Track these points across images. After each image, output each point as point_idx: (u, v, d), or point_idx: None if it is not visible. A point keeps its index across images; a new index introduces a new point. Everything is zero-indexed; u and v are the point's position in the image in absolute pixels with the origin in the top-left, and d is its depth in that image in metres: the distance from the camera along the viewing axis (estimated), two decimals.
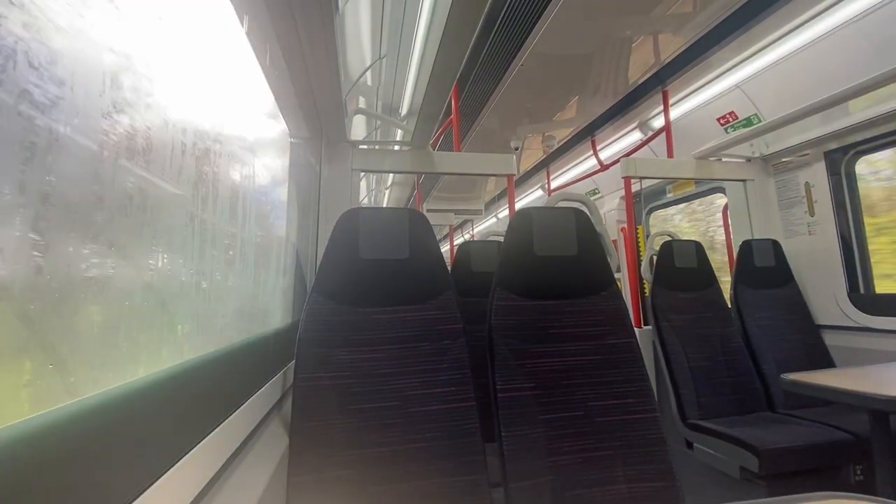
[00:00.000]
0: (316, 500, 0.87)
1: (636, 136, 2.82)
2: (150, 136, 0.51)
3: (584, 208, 1.32)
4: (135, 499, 0.42)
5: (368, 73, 1.90)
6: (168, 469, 0.48)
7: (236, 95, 0.89)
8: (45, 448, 0.34)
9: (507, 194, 2.00)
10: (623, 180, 2.22)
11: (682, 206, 3.28)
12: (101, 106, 0.43)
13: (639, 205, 3.28)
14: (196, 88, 0.67)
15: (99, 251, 0.43)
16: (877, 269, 1.91)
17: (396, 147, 1.99)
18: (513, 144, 2.86)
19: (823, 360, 1.89)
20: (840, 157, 1.98)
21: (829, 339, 1.94)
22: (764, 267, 2.02)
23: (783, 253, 2.06)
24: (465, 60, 1.16)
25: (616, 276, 1.20)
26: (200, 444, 0.57)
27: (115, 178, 0.45)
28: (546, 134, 2.75)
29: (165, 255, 0.57)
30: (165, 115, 0.56)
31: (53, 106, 0.36)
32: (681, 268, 1.93)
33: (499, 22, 1.60)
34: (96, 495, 0.39)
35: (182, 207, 0.62)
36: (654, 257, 2.01)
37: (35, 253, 0.35)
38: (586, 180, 3.49)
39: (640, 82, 2.06)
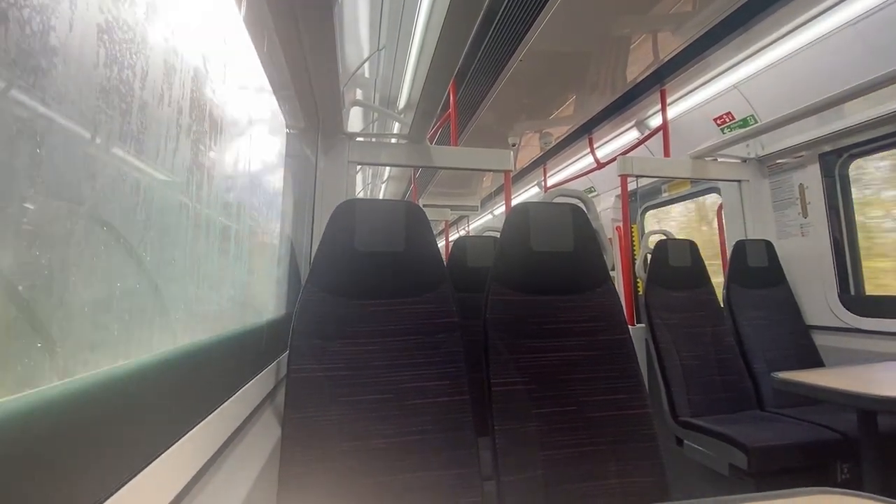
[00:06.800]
0: (307, 491, 0.87)
1: (633, 135, 2.82)
2: (143, 118, 0.51)
3: (580, 205, 1.32)
4: (119, 488, 0.41)
5: (366, 65, 1.88)
6: (155, 458, 0.47)
7: (236, 83, 0.88)
8: (22, 435, 0.32)
9: (504, 190, 2.00)
10: (619, 179, 2.22)
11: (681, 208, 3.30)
12: (95, 79, 0.42)
13: (634, 204, 3.29)
14: (194, 75, 0.66)
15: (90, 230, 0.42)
16: None
17: (393, 140, 1.99)
18: (510, 141, 2.85)
19: (813, 359, 1.91)
20: (834, 160, 1.99)
21: (819, 339, 1.96)
22: (757, 267, 2.04)
23: (776, 253, 2.08)
24: (463, 55, 1.15)
25: (611, 274, 1.20)
26: (190, 432, 0.56)
27: (106, 157, 0.44)
28: (543, 131, 2.75)
29: (156, 239, 0.56)
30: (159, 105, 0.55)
31: (45, 76, 0.35)
32: (675, 266, 1.94)
33: (498, 17, 1.59)
34: (78, 485, 0.37)
35: (174, 194, 0.61)
36: (649, 256, 2.02)
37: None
38: (582, 178, 3.50)
39: (638, 81, 2.06)
